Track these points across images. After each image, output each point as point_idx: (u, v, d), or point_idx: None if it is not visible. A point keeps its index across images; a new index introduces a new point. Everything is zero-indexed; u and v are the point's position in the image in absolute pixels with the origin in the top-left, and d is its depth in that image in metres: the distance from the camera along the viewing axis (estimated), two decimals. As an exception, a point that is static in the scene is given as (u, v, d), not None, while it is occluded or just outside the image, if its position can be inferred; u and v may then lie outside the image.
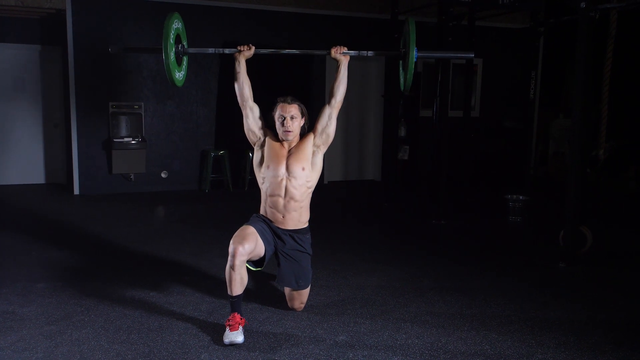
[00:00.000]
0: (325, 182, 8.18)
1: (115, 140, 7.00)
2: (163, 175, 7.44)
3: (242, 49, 3.23)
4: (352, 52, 3.32)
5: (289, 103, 3.19)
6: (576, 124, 4.25)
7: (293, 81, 7.79)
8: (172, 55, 3.07)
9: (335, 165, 8.32)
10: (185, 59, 3.31)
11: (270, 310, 3.32)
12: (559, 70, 9.37)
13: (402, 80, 3.38)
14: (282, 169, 3.14)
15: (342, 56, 3.28)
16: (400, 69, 3.47)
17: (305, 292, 3.26)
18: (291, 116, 3.16)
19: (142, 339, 2.91)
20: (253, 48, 3.24)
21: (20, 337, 2.91)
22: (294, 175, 3.13)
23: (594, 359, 2.77)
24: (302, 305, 3.30)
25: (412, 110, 8.23)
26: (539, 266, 4.33)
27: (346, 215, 6.35)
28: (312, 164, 3.20)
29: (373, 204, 6.87)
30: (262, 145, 3.23)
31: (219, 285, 3.61)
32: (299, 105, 3.22)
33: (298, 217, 3.18)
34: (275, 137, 3.23)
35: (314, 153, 3.22)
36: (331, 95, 3.29)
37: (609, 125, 4.92)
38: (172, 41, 3.07)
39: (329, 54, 3.30)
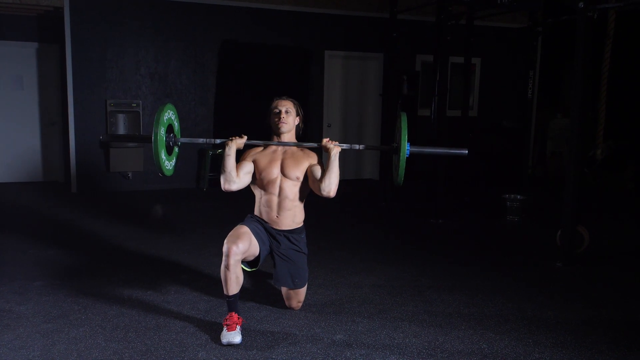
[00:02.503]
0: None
1: (113, 138, 7.00)
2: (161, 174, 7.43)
3: (233, 139, 3.11)
4: (344, 145, 3.20)
5: (284, 99, 3.23)
6: (574, 124, 4.25)
7: (291, 79, 7.79)
8: (162, 137, 2.98)
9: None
10: (175, 149, 3.22)
11: (268, 308, 3.32)
12: (557, 70, 9.37)
13: (394, 174, 3.23)
14: (277, 169, 3.13)
15: (333, 146, 3.11)
16: (393, 163, 3.31)
17: (302, 291, 3.26)
18: (286, 110, 3.18)
19: (140, 337, 2.90)
20: (245, 137, 3.13)
21: (17, 335, 2.90)
22: (288, 175, 3.13)
23: (591, 358, 2.77)
24: (300, 304, 3.30)
25: (410, 109, 8.24)
26: (537, 265, 4.33)
27: (344, 214, 6.35)
28: (305, 179, 3.17)
29: (371, 202, 6.87)
30: (255, 167, 3.17)
31: (216, 283, 3.61)
32: (293, 102, 3.25)
33: (292, 216, 3.17)
34: (264, 149, 3.22)
35: (306, 174, 3.17)
36: (322, 181, 3.07)
37: (606, 125, 4.93)
38: (164, 123, 2.99)
39: (320, 144, 3.16)
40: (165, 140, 3.05)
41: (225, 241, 2.89)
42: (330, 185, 3.04)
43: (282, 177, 3.13)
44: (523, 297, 3.59)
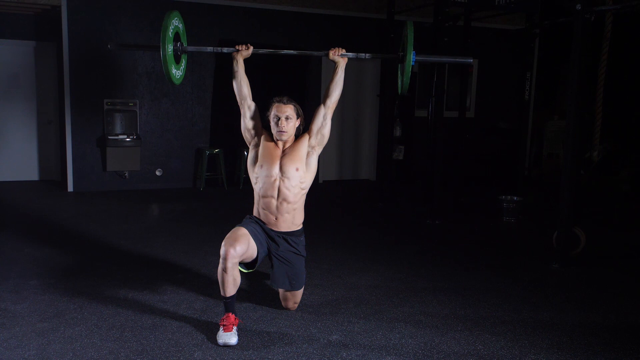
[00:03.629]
0: (320, 181, 8.18)
1: (109, 137, 6.98)
2: (157, 173, 7.43)
3: (240, 49, 3.22)
4: (350, 54, 3.30)
5: (284, 103, 3.16)
6: (571, 126, 4.27)
7: (289, 82, 7.78)
8: (170, 52, 3.05)
9: (330, 165, 8.32)
10: (184, 57, 3.29)
11: (264, 309, 3.32)
12: (553, 72, 9.40)
13: (399, 83, 3.38)
14: (276, 169, 3.12)
15: (340, 58, 3.27)
16: (399, 71, 3.46)
17: (299, 292, 3.26)
18: (286, 117, 3.13)
19: (135, 336, 2.90)
20: (251, 48, 3.23)
21: (13, 334, 2.89)
22: (287, 175, 3.11)
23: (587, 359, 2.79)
24: (296, 305, 3.30)
25: (407, 110, 8.25)
26: (533, 267, 4.34)
27: (341, 214, 6.35)
28: (307, 164, 3.18)
29: (368, 203, 6.88)
30: (257, 145, 3.21)
31: (212, 283, 3.61)
32: (294, 106, 3.19)
33: (291, 219, 3.16)
34: (270, 137, 3.22)
35: (308, 154, 3.20)
36: (326, 95, 3.27)
37: (603, 127, 4.94)
38: (170, 38, 3.04)
39: (327, 55, 3.29)
40: (173, 52, 3.10)
41: (222, 243, 2.88)
42: (336, 91, 3.25)
43: (281, 177, 3.10)
44: (519, 299, 3.60)
